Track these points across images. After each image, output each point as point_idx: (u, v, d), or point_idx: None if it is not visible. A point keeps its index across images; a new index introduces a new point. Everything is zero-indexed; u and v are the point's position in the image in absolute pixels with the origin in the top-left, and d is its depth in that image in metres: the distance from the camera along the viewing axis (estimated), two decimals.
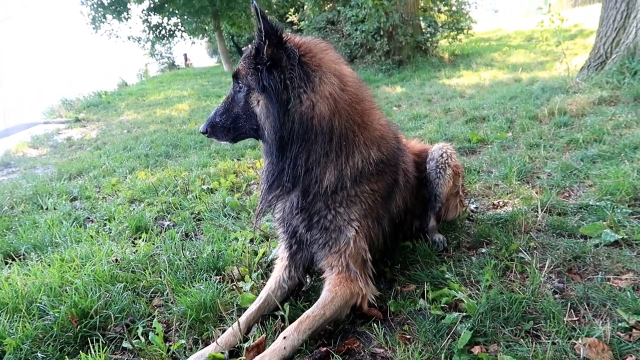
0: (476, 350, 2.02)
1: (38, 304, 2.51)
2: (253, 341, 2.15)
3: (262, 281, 2.76)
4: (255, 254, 3.05)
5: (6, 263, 3.25)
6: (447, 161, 3.05)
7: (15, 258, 3.27)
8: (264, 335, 2.16)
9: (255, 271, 2.86)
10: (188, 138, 7.33)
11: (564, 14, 8.45)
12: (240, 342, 2.17)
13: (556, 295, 2.36)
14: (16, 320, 2.40)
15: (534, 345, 1.97)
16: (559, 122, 5.64)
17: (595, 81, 7.14)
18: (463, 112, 7.14)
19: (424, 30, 15.55)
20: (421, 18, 15.62)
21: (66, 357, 2.13)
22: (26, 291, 2.64)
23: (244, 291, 2.61)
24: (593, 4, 24.37)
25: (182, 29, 26.08)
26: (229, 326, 2.22)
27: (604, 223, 2.99)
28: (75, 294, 2.52)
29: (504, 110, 6.92)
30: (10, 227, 3.95)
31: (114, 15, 23.35)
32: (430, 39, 15.48)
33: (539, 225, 3.17)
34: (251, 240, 3.32)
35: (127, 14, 23.89)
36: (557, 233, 3.05)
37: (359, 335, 2.26)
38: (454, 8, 16.67)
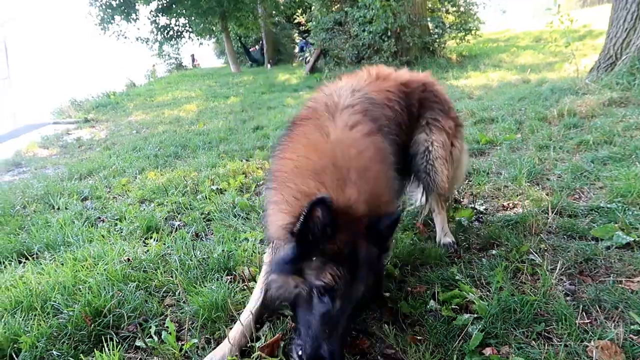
0: (487, 351, 2.02)
1: (52, 303, 2.54)
2: (265, 341, 2.17)
3: None
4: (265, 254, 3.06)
5: (20, 262, 3.29)
6: (434, 154, 3.00)
7: (29, 257, 3.30)
8: (279, 334, 2.18)
9: None
10: (197, 139, 7.36)
11: (572, 15, 8.42)
12: (251, 342, 2.18)
13: (567, 298, 2.35)
14: (31, 319, 2.43)
15: (545, 348, 1.97)
16: (568, 123, 5.62)
17: (605, 82, 7.10)
18: (471, 113, 7.12)
19: (431, 31, 15.53)
20: (429, 19, 15.61)
21: (81, 355, 2.16)
22: (40, 290, 2.67)
23: None
24: (602, 5, 24.25)
25: (190, 29, 26.17)
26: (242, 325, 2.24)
27: (616, 225, 2.97)
28: (88, 293, 2.55)
29: (512, 111, 6.90)
30: (23, 227, 4.00)
31: (123, 16, 23.48)
32: (437, 40, 15.45)
33: (550, 227, 3.16)
34: (261, 241, 3.34)
35: (136, 15, 24.01)
36: (568, 235, 3.04)
37: (369, 335, 2.27)
38: (461, 9, 16.64)
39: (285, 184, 2.01)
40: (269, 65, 27.02)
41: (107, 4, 22.99)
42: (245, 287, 2.70)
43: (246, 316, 2.27)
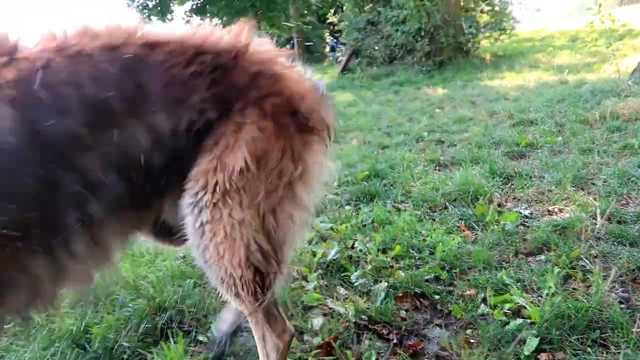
0: (543, 357, 2.05)
1: (117, 296, 2.69)
2: (322, 340, 2.25)
3: (322, 281, 2.86)
4: (314, 254, 3.14)
5: None
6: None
7: None
8: (336, 333, 2.26)
9: (315, 271, 2.96)
10: None
11: (613, 14, 8.21)
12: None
13: (622, 305, 2.35)
14: (98, 311, 2.59)
15: (603, 355, 1.99)
16: (611, 126, 5.51)
17: None
18: (509, 115, 7.04)
19: (465, 31, 15.35)
20: (463, 18, 15.43)
21: (151, 347, 2.28)
22: (104, 284, 2.82)
23: (308, 290, 2.71)
24: None
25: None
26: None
27: None
28: (151, 288, 2.69)
29: (552, 113, 6.79)
30: None
31: (159, 16, 24.09)
32: (471, 40, 15.26)
33: (598, 233, 3.14)
34: (309, 242, 3.42)
35: (171, 15, 24.62)
36: (618, 241, 3.01)
37: (422, 337, 2.33)
38: (496, 8, 16.40)
39: None
40: None
41: (144, 4, 23.62)
42: (297, 286, 2.79)
43: None
